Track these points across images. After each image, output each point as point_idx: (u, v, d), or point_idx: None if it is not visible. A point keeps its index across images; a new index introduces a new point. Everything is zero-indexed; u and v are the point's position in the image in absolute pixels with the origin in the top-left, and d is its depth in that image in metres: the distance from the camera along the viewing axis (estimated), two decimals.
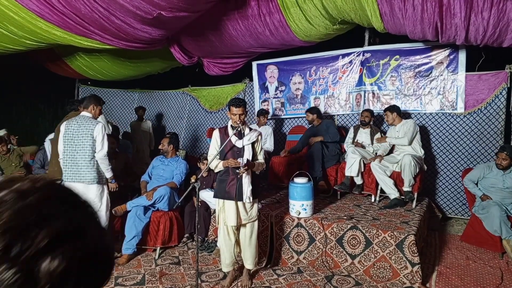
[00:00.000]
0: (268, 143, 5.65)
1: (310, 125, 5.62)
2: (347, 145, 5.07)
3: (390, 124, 4.81)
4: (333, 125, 5.33)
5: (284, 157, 5.40)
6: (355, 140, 5.03)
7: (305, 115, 6.09)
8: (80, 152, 3.59)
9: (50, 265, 0.44)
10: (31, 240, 0.43)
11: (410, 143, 4.60)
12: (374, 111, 5.28)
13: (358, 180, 4.71)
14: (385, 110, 4.84)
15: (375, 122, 5.39)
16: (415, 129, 4.63)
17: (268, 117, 6.11)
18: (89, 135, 3.57)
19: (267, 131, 5.70)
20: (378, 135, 5.00)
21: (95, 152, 3.61)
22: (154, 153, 6.28)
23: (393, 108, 4.77)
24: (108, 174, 3.73)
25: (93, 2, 3.61)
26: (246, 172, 3.16)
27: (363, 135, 5.05)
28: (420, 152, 4.64)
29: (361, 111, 5.27)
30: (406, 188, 4.42)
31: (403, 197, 4.44)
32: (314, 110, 5.54)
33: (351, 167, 4.62)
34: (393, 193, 4.41)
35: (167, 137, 4.61)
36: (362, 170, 4.69)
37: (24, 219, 0.44)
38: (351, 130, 5.20)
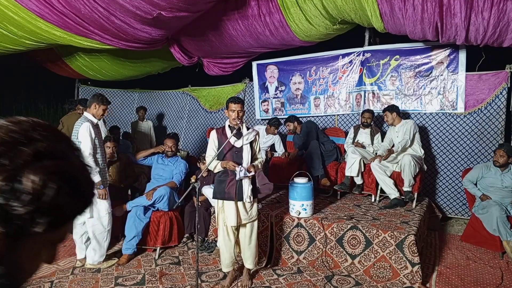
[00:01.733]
0: (278, 150, 5.73)
1: (293, 134, 5.57)
2: (347, 145, 5.07)
3: (390, 124, 4.80)
4: (306, 127, 5.27)
5: (285, 157, 5.41)
6: (355, 140, 5.03)
7: (304, 116, 6.10)
8: None
9: (32, 177, 0.53)
10: (18, 155, 0.53)
11: (412, 142, 4.59)
12: (374, 111, 5.28)
13: (358, 180, 4.71)
14: (384, 110, 4.82)
15: (376, 123, 5.38)
16: (415, 129, 4.62)
17: (278, 130, 5.73)
18: (76, 137, 3.55)
19: (275, 138, 5.72)
20: (383, 147, 4.74)
21: None
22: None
23: (392, 108, 4.76)
24: (95, 179, 3.49)
25: (93, 2, 3.61)
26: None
27: (363, 135, 5.05)
28: (420, 152, 4.64)
29: (361, 111, 5.26)
30: (406, 188, 4.41)
31: (403, 197, 4.44)
32: (292, 118, 5.47)
33: (351, 167, 4.62)
34: (393, 193, 4.41)
35: (172, 138, 4.52)
36: (362, 170, 4.68)
37: (14, 139, 0.55)
38: (351, 131, 5.20)
